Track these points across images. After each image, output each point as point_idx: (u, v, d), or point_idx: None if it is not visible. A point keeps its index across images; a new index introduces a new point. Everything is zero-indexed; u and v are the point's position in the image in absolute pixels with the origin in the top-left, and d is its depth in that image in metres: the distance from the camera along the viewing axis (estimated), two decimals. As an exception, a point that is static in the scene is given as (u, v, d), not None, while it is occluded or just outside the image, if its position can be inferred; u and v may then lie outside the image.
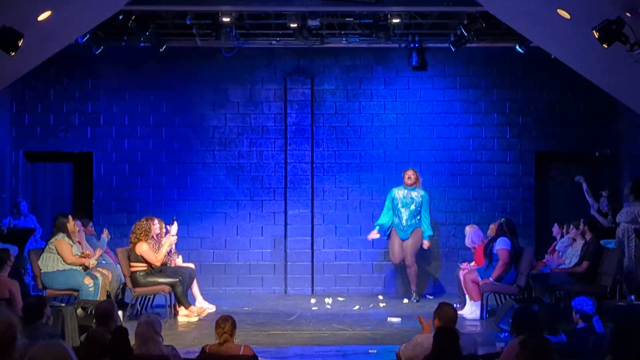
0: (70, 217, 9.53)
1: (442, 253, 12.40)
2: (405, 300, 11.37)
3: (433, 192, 12.40)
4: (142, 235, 9.82)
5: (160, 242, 10.11)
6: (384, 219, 11.39)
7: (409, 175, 11.31)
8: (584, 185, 11.56)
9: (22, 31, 7.21)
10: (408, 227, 11.23)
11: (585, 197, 11.56)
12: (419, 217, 11.27)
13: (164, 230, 10.33)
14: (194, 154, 12.43)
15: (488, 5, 9.16)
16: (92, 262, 9.49)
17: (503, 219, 10.16)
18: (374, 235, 11.48)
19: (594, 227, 10.28)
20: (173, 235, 10.30)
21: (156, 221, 10.22)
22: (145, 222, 9.95)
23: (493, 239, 10.01)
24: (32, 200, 12.17)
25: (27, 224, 11.49)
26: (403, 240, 11.26)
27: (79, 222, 10.07)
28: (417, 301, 11.20)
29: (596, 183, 12.04)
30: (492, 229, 10.37)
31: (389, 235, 11.48)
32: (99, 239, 10.52)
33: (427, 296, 11.78)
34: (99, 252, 9.90)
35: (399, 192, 11.33)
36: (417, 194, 11.26)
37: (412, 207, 11.20)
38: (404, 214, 11.21)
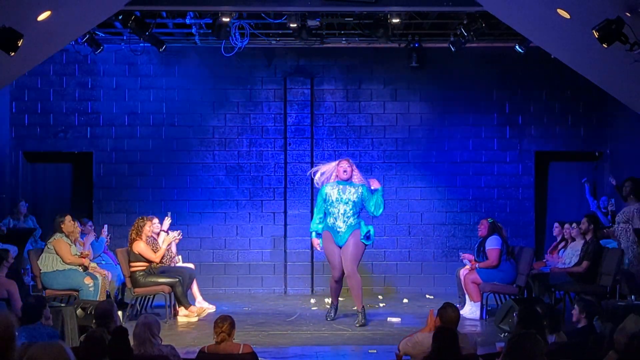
0: (69, 217, 9.53)
1: (442, 253, 12.39)
2: (405, 300, 11.36)
3: (433, 192, 12.41)
4: (137, 234, 9.83)
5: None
6: (317, 221, 9.66)
7: (344, 167, 9.49)
8: (587, 187, 11.57)
9: (22, 31, 7.19)
10: (345, 230, 9.45)
11: (587, 196, 11.56)
12: (357, 219, 9.53)
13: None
14: (193, 154, 12.43)
15: (488, 5, 9.14)
16: (88, 252, 9.52)
17: (491, 219, 10.14)
18: (316, 244, 9.69)
19: (597, 225, 10.23)
20: (163, 231, 10.29)
21: (156, 220, 10.23)
22: (141, 221, 9.96)
23: (486, 237, 10.01)
24: (32, 200, 12.15)
25: (27, 224, 11.48)
26: (340, 246, 9.45)
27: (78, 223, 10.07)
28: (363, 325, 9.33)
29: (596, 183, 12.05)
30: (482, 227, 10.35)
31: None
32: (98, 239, 10.51)
33: (427, 296, 11.77)
34: (101, 272, 9.93)
35: (332, 189, 9.52)
36: (354, 190, 9.51)
37: (349, 206, 9.43)
38: (340, 214, 9.45)
